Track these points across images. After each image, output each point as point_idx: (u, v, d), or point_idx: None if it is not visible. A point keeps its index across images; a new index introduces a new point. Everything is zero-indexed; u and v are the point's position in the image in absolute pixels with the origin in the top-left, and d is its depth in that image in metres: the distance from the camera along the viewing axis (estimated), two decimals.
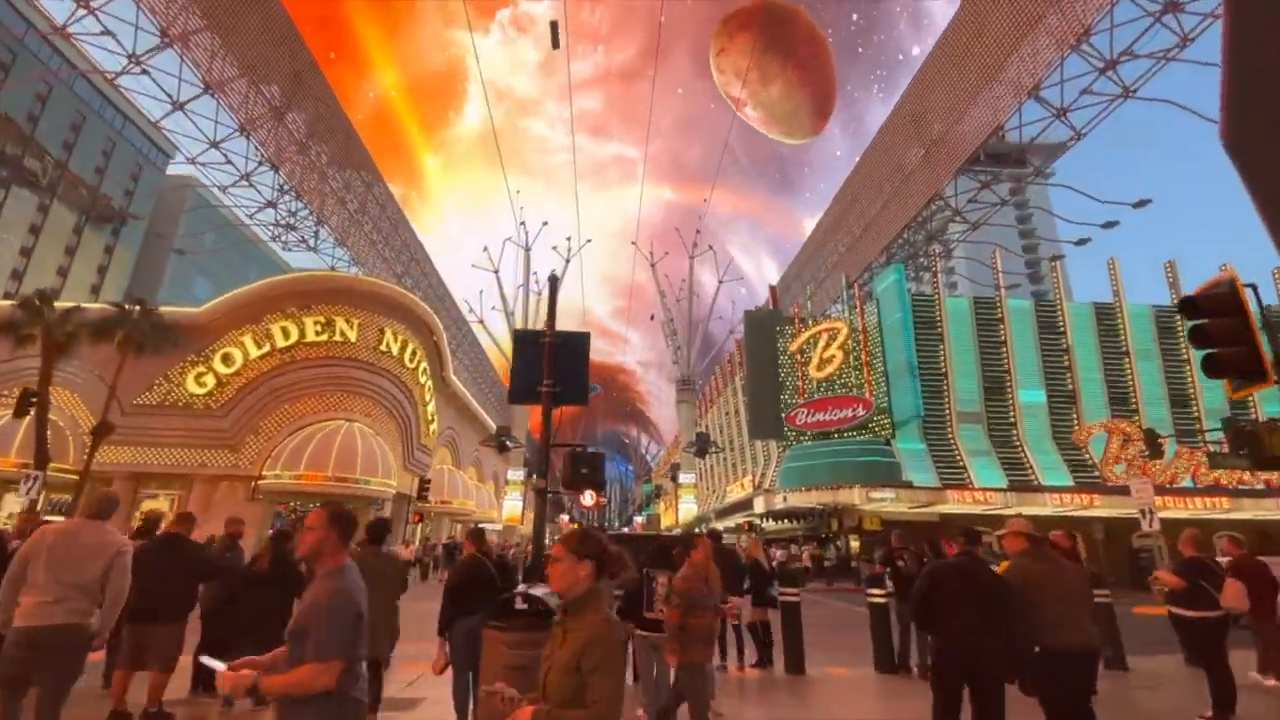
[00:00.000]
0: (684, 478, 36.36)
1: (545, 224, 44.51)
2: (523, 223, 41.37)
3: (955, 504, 25.13)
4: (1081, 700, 4.27)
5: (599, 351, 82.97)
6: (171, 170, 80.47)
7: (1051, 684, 4.32)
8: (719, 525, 41.53)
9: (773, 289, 36.12)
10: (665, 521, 65.16)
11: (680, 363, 43.75)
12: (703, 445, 35.51)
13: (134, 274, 72.84)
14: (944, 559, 4.92)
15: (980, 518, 27.32)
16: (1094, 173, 27.79)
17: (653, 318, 65.27)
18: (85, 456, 25.98)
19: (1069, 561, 5.17)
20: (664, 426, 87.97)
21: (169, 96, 23.77)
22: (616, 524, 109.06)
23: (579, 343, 6.80)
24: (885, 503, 25.05)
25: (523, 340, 6.66)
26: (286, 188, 25.98)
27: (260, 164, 25.10)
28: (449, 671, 4.98)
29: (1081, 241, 31.64)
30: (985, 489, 25.51)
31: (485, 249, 42.74)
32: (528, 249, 42.78)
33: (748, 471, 38.81)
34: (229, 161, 24.91)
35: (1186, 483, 26.94)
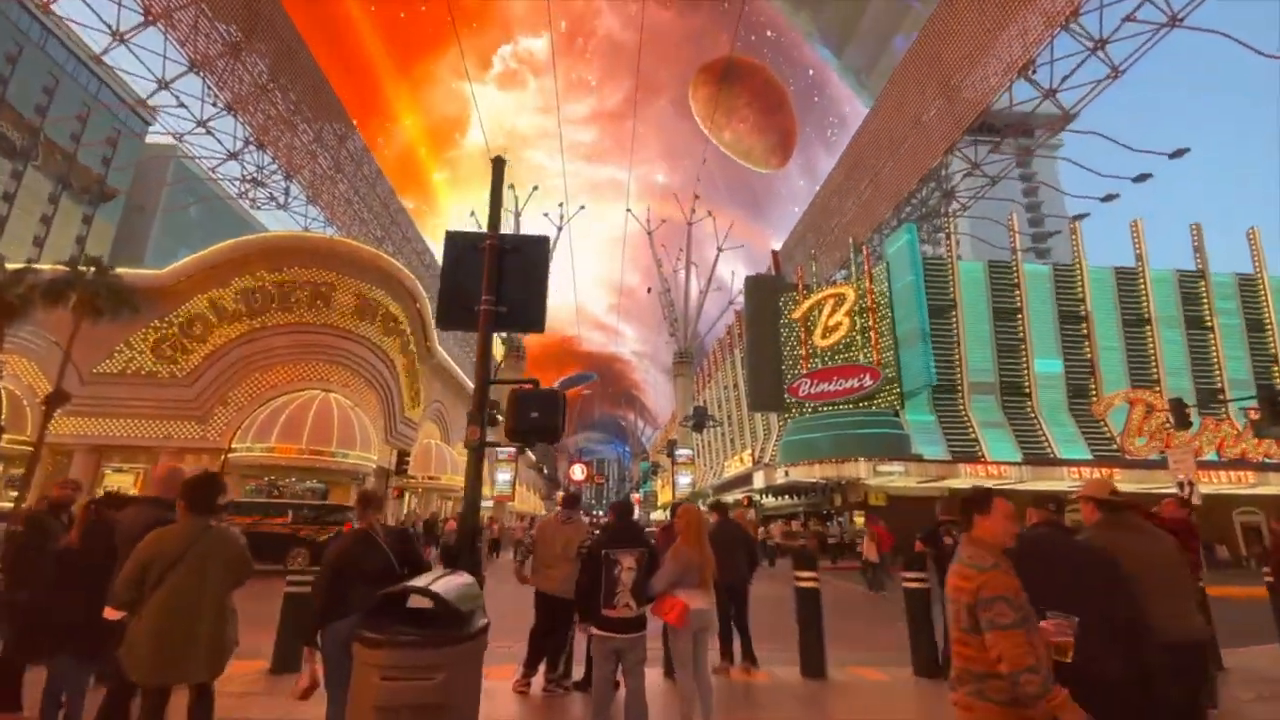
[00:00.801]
0: (680, 453, 34.94)
1: (535, 188, 42.50)
2: (511, 185, 39.33)
3: (967, 478, 23.66)
4: (1191, 706, 3.31)
5: (595, 343, 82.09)
6: (151, 139, 77.76)
7: (1150, 686, 2.88)
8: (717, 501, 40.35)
9: (775, 254, 34.30)
10: (662, 498, 64.09)
11: (678, 335, 42.02)
12: (700, 419, 34.01)
13: (115, 245, 70.43)
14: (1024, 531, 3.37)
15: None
16: (1098, 142, 25.87)
17: (650, 290, 63.49)
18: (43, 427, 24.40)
19: (1162, 531, 3.67)
20: (657, 413, 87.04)
21: (108, 27, 21.52)
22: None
23: (535, 251, 5.10)
24: (893, 477, 23.58)
25: (457, 245, 4.96)
26: (250, 139, 23.95)
27: (218, 108, 23.00)
28: (322, 695, 3.40)
29: (1109, 197, 29.85)
30: (999, 462, 24.04)
31: (473, 213, 40.87)
32: (517, 214, 40.77)
33: (746, 446, 37.37)
34: (182, 105, 22.81)
35: (1210, 456, 25.50)
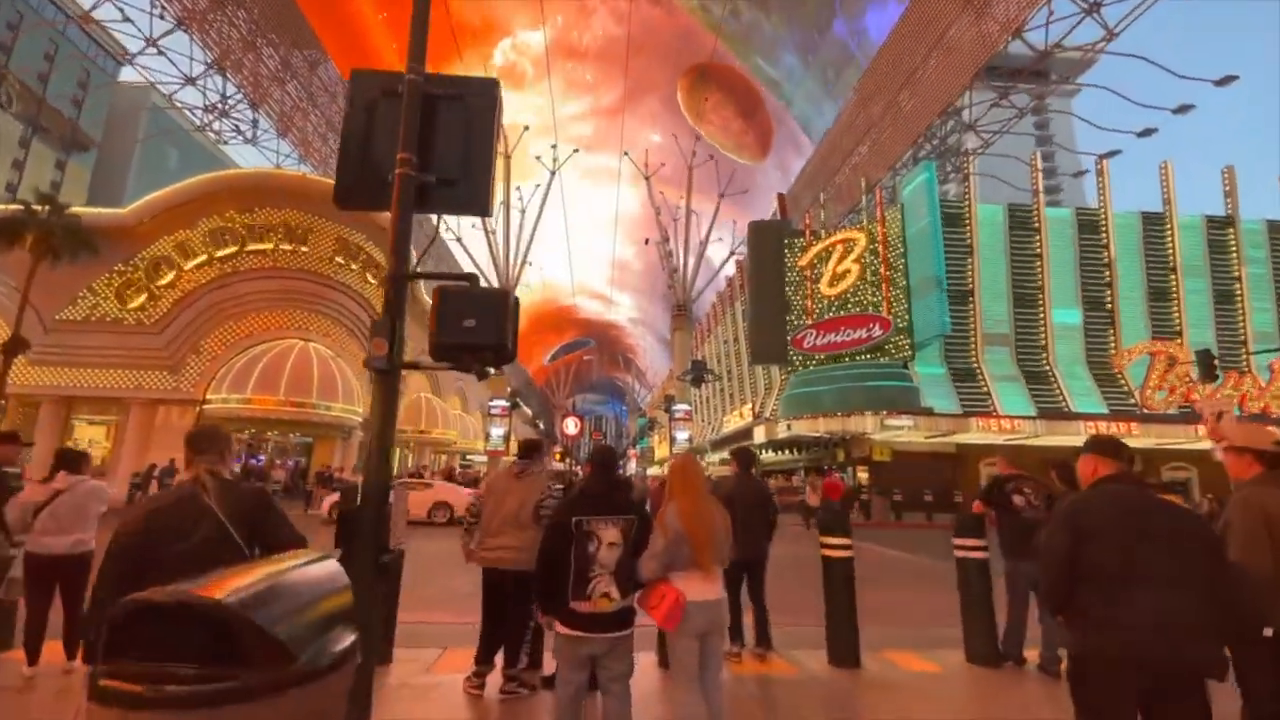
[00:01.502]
0: (678, 408, 33.80)
1: (526, 128, 40.26)
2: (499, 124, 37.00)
3: (979, 433, 22.61)
4: None
5: (591, 311, 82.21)
6: (124, 79, 73.89)
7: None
8: (714, 457, 39.41)
9: (781, 197, 32.36)
10: (659, 454, 63.53)
11: (676, 287, 40.37)
12: (699, 373, 32.76)
13: (91, 192, 67.64)
14: (1091, 489, 2.46)
15: (1007, 449, 24.95)
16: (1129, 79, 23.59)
17: (647, 241, 61.34)
18: (8, 377, 23.09)
19: None
20: (651, 376, 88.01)
21: None
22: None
23: (480, 98, 3.64)
24: (901, 431, 22.49)
25: (366, 90, 3.50)
26: (208, 62, 21.77)
27: (167, 21, 20.71)
28: None
29: (1146, 132, 27.76)
30: (1012, 417, 22.93)
31: None
32: (508, 156, 38.54)
33: (746, 401, 36.30)
34: (127, 19, 20.52)
35: (1233, 411, 24.40)
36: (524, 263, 42.89)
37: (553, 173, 41.70)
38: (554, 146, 43.24)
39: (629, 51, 52.08)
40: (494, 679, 4.16)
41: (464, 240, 40.48)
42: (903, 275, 24.27)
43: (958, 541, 5.07)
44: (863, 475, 25.09)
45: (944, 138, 27.67)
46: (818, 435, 24.49)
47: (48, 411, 23.85)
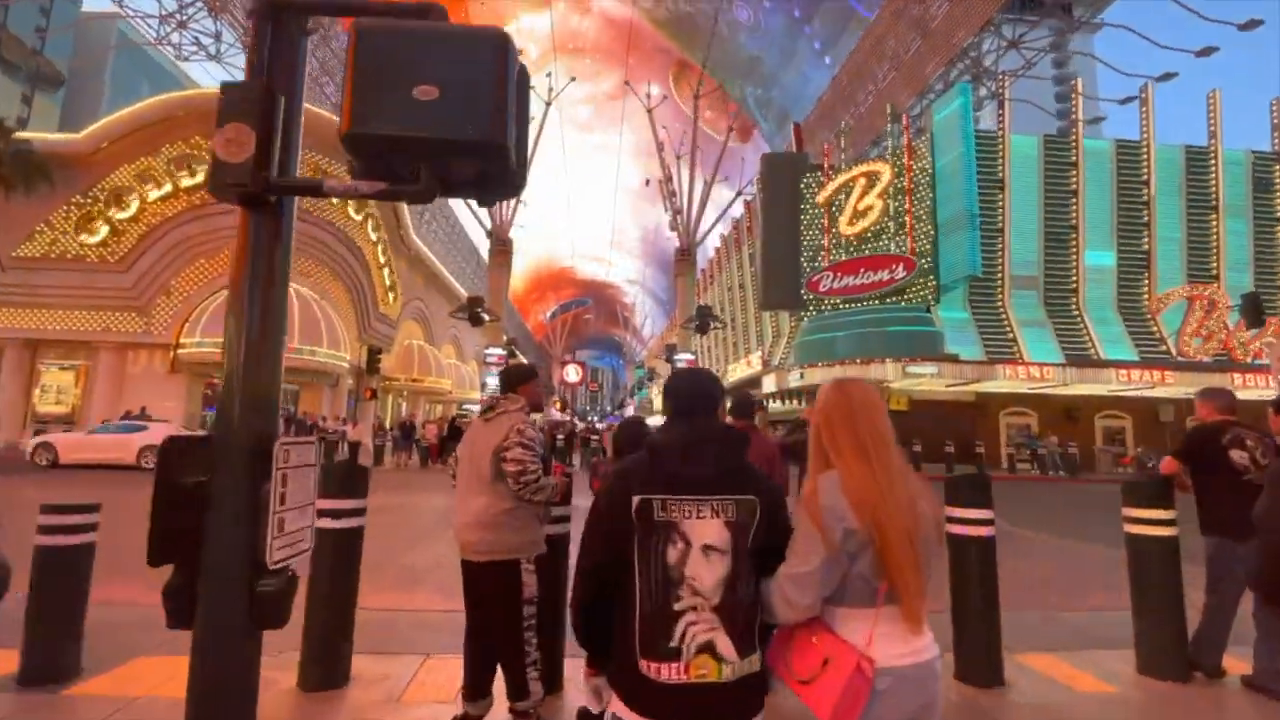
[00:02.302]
0: (681, 357, 32.31)
1: (520, 52, 37.35)
2: None
3: (1004, 381, 21.30)
4: None
5: (588, 272, 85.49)
6: (88, 6, 69.09)
7: None
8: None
9: (797, 127, 30.04)
10: (658, 406, 62.56)
11: (680, 229, 38.31)
12: (704, 320, 31.17)
13: (61, 128, 63.90)
14: None
15: (1028, 398, 23.78)
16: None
17: (648, 183, 58.70)
18: None
19: None
20: (646, 334, 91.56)
21: None
22: (609, 410, 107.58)
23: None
24: (923, 379, 21.16)
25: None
26: None
27: None
28: None
29: (1166, 76, 25.59)
30: (1039, 364, 21.59)
31: None
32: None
33: (753, 349, 34.90)
34: None
35: (1267, 360, 23.12)
36: (518, 201, 40.54)
37: (548, 104, 38.98)
38: (549, 75, 40.39)
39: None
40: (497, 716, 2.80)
41: None
42: (929, 212, 22.47)
43: (1134, 513, 3.66)
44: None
45: (978, 59, 25.27)
46: None
47: (13, 356, 22.26)
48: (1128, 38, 26.99)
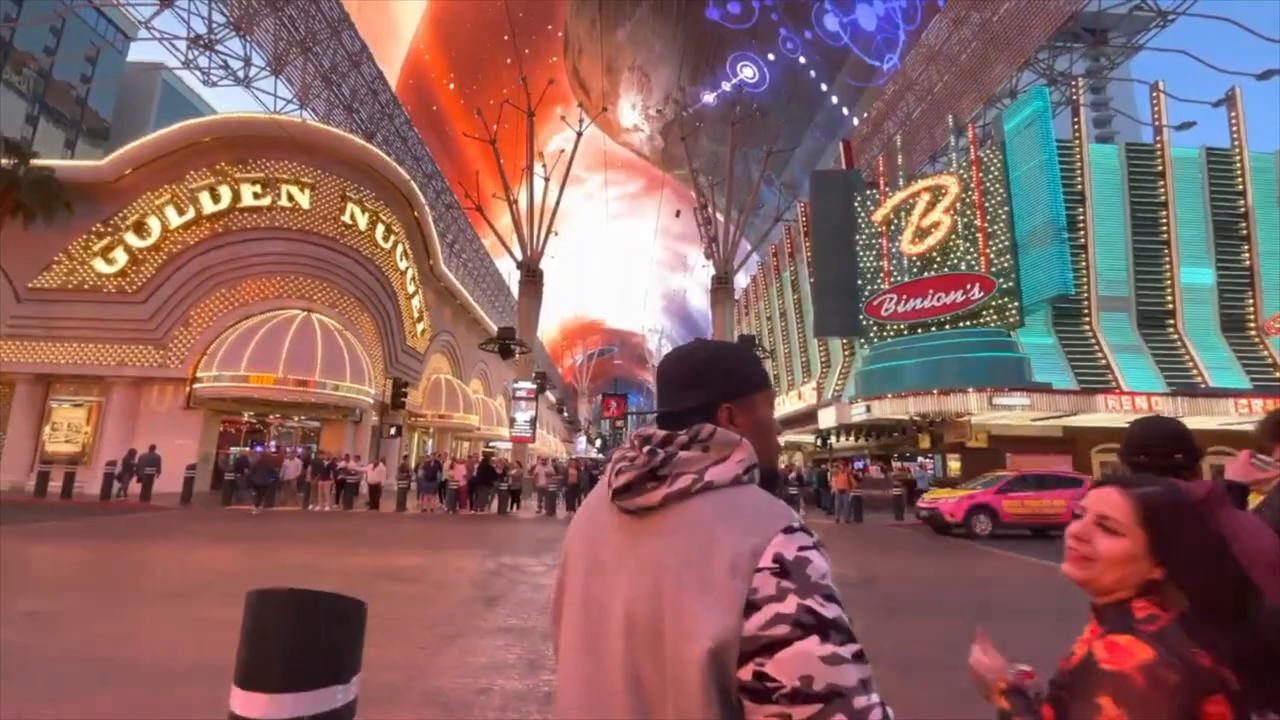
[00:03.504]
0: None
1: (551, 82, 36.72)
2: (523, 78, 33.59)
3: (1106, 413, 18.74)
4: None
5: (616, 324, 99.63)
6: (134, 57, 71.54)
7: None
8: None
9: (847, 144, 28.44)
10: None
11: (715, 256, 36.59)
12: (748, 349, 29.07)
13: None
14: None
15: (1123, 433, 21.05)
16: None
17: (679, 214, 57.71)
18: None
19: None
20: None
21: None
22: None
23: None
24: (1013, 412, 18.73)
25: None
26: None
27: None
28: None
29: (1267, 74, 23.41)
30: (1145, 393, 19.03)
31: (479, 113, 35.25)
32: (531, 113, 34.98)
33: (797, 382, 32.62)
34: None
35: None
36: (549, 232, 39.40)
37: (579, 133, 38.11)
38: (579, 105, 39.78)
39: None
40: None
41: (484, 209, 37.07)
42: (1006, 227, 20.39)
43: None
44: (954, 465, 21.41)
45: (1049, 63, 23.45)
46: (902, 418, 20.82)
47: (25, 392, 21.08)
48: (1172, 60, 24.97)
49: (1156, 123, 22.84)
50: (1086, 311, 21.59)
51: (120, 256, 20.90)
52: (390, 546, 11.01)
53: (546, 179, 37.91)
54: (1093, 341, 21.30)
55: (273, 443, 24.47)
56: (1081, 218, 21.76)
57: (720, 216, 36.06)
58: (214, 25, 19.84)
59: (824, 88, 62.38)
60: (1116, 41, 24.74)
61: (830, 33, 61.27)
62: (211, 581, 7.42)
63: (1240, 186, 22.66)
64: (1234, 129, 23.09)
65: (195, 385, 20.75)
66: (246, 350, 20.20)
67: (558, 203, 38.28)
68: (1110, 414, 18.75)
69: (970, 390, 18.32)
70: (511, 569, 8.83)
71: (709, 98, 60.93)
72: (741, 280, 45.28)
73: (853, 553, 11.67)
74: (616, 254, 79.88)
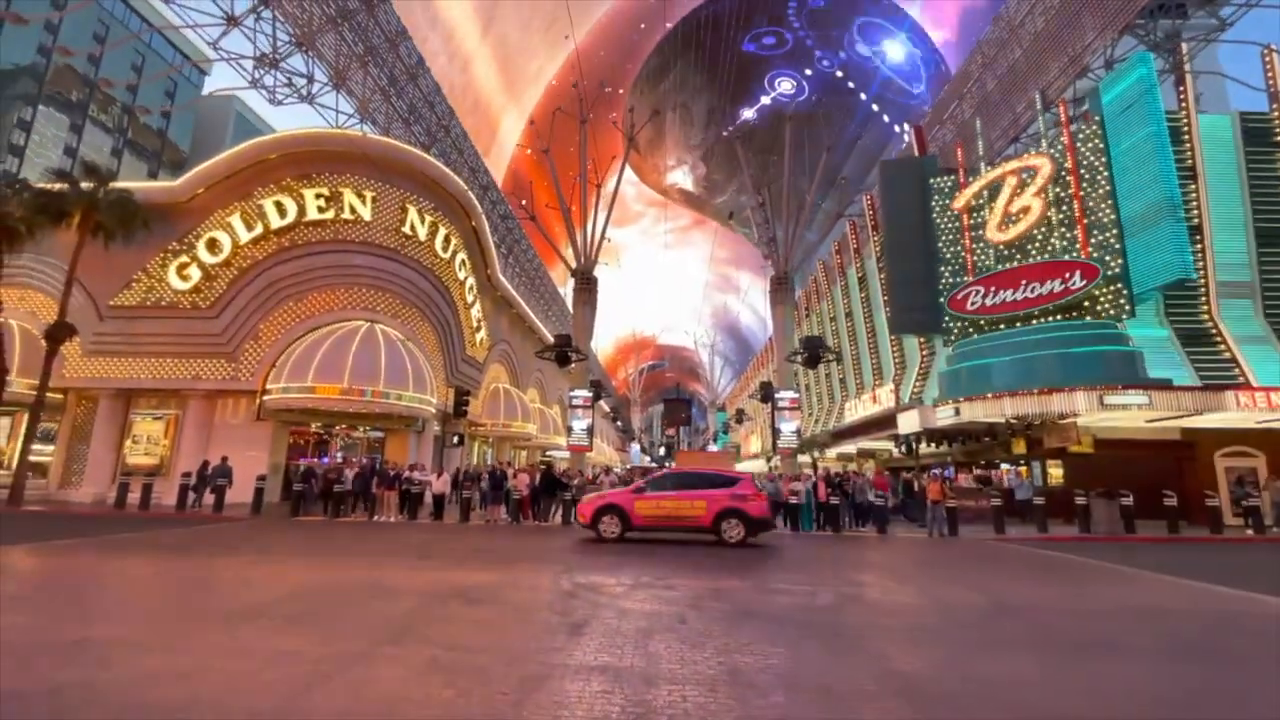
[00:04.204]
0: (783, 395, 28.74)
1: (606, 88, 36.41)
2: (575, 84, 33.37)
3: (1237, 412, 16.55)
4: None
5: (667, 340, 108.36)
6: (208, 88, 75.90)
7: None
8: (833, 453, 34.03)
9: (919, 129, 26.76)
10: (751, 448, 58.42)
11: (775, 256, 35.29)
12: (814, 351, 27.73)
13: None
14: None
15: (1251, 434, 18.73)
16: None
17: (731, 215, 56.64)
18: (63, 370, 21.26)
19: None
20: (716, 387, 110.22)
21: None
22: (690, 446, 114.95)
23: None
24: (1128, 412, 16.78)
25: None
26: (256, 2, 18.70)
27: None
28: None
29: None
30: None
31: (531, 122, 35.34)
32: (584, 121, 34.70)
33: (876, 381, 30.86)
34: None
35: None
36: (603, 238, 38.89)
37: (630, 138, 37.60)
38: (631, 110, 39.29)
39: None
40: None
41: (538, 219, 36.92)
42: (1109, 208, 18.48)
43: None
44: (1055, 472, 19.48)
45: (1149, 24, 21.27)
46: (996, 421, 19.06)
47: (106, 406, 21.86)
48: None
49: (1273, 88, 20.39)
50: (1205, 299, 19.33)
51: (194, 273, 21.45)
52: (459, 561, 10.40)
53: (599, 185, 37.46)
54: (1214, 332, 19.03)
55: (338, 454, 24.70)
56: (1195, 195, 19.57)
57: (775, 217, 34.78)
58: (278, 43, 20.15)
59: (863, 96, 62.88)
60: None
61: (863, 56, 62.89)
62: (276, 600, 6.89)
63: None
64: None
65: (265, 397, 21.03)
66: (313, 362, 20.33)
67: (610, 208, 37.79)
68: (1242, 412, 16.56)
69: (1079, 389, 16.51)
70: (588, 589, 8.01)
71: (749, 113, 62.09)
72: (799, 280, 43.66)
73: (968, 574, 10.34)
74: (669, 279, 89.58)
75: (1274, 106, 20.61)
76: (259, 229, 21.61)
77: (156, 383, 21.46)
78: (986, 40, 26.33)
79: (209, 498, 18.11)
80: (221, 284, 21.52)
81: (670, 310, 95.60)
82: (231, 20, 19.13)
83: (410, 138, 27.16)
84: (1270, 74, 21.05)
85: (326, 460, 24.28)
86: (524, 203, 37.36)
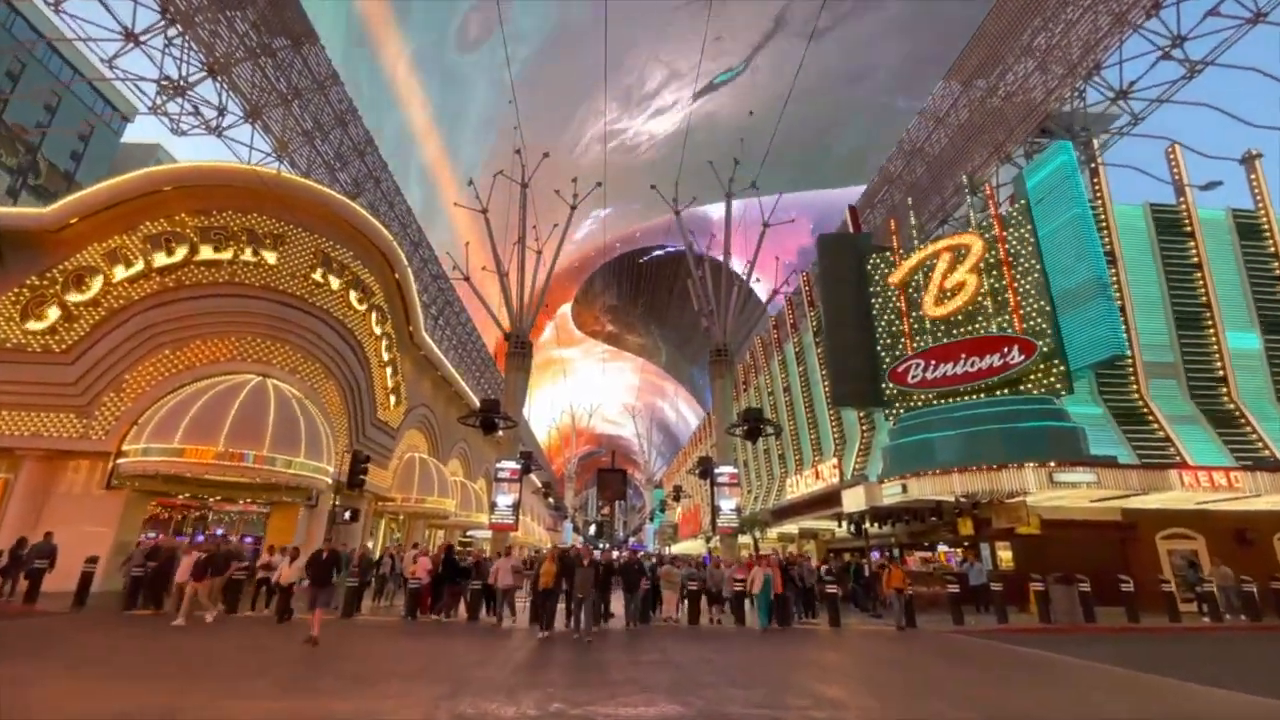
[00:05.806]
0: (722, 470, 27.24)
1: (546, 155, 36.10)
2: (518, 150, 32.90)
3: (1181, 491, 16.20)
4: None
5: (603, 429, 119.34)
6: (129, 138, 72.10)
7: None
8: (774, 533, 32.40)
9: (853, 209, 27.35)
10: (686, 531, 55.86)
11: (714, 327, 34.75)
12: (754, 424, 26.59)
13: None
14: None
15: (1188, 516, 18.50)
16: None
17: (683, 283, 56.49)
18: None
19: None
20: (648, 470, 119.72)
21: None
22: (623, 537, 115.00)
23: None
24: (1074, 490, 16.13)
25: None
26: (162, 10, 17.00)
27: None
28: None
29: (1209, 185, 22.96)
30: (1224, 469, 16.61)
31: (471, 182, 34.37)
32: (524, 185, 34.09)
33: (816, 457, 29.88)
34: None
35: None
36: (539, 305, 37.50)
37: (573, 208, 37.17)
38: (574, 180, 39.20)
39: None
40: None
41: (473, 280, 35.32)
42: (1040, 286, 18.70)
43: None
44: (1004, 554, 18.50)
45: (1067, 116, 22.76)
46: (944, 499, 18.09)
47: None
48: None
49: (1178, 181, 21.88)
50: (1134, 378, 19.56)
51: (52, 312, 18.37)
52: (306, 678, 7.92)
53: (539, 252, 36.43)
54: (1146, 411, 19.11)
55: (203, 533, 20.90)
56: (1115, 278, 20.21)
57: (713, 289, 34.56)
58: (187, 68, 18.42)
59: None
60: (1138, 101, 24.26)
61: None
62: None
63: (1272, 248, 21.45)
64: (1255, 190, 22.18)
65: (120, 460, 17.69)
66: (184, 418, 17.34)
67: (549, 276, 36.64)
68: (1186, 491, 16.22)
69: (1028, 465, 15.80)
70: None
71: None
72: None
73: (948, 682, 8.70)
74: (606, 384, 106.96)
75: (1180, 200, 22.02)
76: (139, 266, 18.95)
77: None
78: (914, 131, 27.74)
79: (25, 584, 14.47)
80: (85, 325, 18.48)
81: (607, 407, 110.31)
82: (130, 37, 17.32)
83: (334, 184, 25.43)
84: (1175, 169, 22.65)
85: (152, 538, 20.18)
86: (455, 266, 35.68)
